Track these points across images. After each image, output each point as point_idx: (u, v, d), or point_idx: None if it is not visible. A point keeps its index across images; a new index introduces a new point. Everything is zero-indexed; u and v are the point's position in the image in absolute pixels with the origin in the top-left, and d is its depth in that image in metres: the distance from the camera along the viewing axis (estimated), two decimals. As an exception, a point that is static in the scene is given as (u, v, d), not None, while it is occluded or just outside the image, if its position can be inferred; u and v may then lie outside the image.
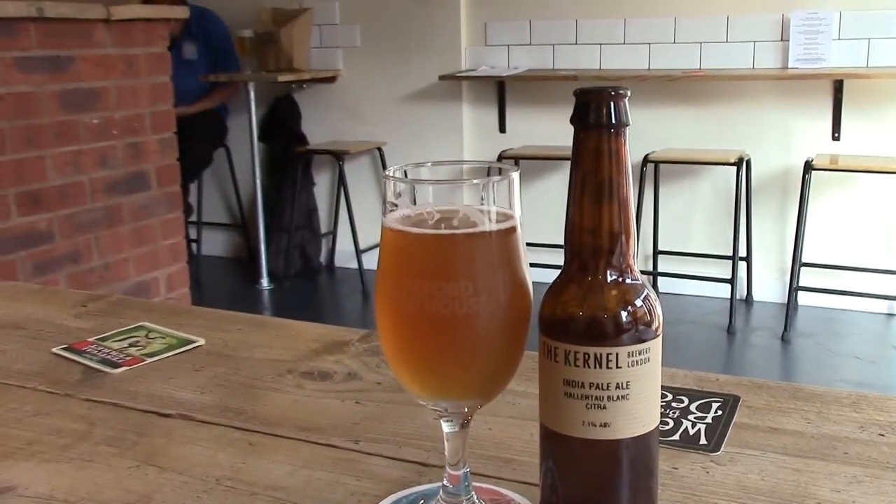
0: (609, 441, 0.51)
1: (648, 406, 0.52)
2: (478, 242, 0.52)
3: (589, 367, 0.50)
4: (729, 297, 3.79)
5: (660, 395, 0.53)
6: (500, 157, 4.14)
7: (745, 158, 3.87)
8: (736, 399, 0.76)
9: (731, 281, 3.79)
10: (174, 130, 3.07)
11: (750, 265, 4.08)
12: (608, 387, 0.50)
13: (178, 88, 3.20)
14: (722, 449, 0.68)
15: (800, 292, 3.80)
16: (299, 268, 4.79)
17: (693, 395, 0.77)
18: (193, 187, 4.85)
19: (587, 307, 0.52)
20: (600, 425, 0.51)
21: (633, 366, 0.51)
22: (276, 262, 4.70)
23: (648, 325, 0.51)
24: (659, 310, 0.52)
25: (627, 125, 0.51)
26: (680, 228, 4.19)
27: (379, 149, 4.66)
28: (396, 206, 0.53)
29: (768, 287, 4.09)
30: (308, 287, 4.71)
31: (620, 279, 0.52)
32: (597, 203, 0.51)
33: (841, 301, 3.87)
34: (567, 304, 0.52)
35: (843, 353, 3.62)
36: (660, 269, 4.20)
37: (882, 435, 0.69)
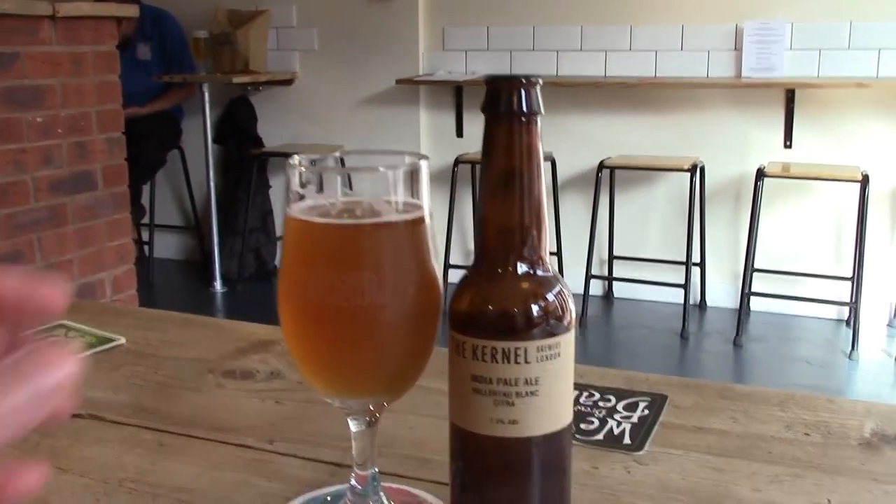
0: (518, 439, 0.50)
1: (559, 403, 0.50)
2: (382, 233, 0.50)
3: (497, 362, 0.49)
4: (682, 302, 3.81)
5: (572, 391, 0.52)
6: (457, 162, 4.13)
7: (699, 165, 3.90)
8: (663, 398, 0.75)
9: (685, 286, 3.81)
10: (122, 130, 3.02)
11: (703, 271, 4.11)
12: (516, 382, 0.49)
13: (132, 89, 3.15)
14: (645, 448, 0.66)
15: (752, 298, 3.84)
16: (253, 271, 4.74)
17: (621, 395, 0.76)
18: (146, 189, 4.77)
19: (496, 301, 0.50)
20: (508, 422, 0.49)
21: (542, 361, 0.49)
22: (229, 264, 4.65)
23: (560, 319, 0.50)
24: (571, 304, 0.51)
25: (539, 114, 0.50)
26: (635, 234, 4.21)
27: (335, 152, 4.61)
28: (302, 195, 0.51)
29: (721, 292, 4.12)
30: (262, 290, 4.65)
31: (531, 272, 0.50)
32: (508, 195, 0.49)
33: (792, 307, 3.91)
34: (476, 298, 0.50)
35: (794, 359, 3.66)
36: (615, 275, 4.22)
37: (807, 434, 0.68)
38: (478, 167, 4.06)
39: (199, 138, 4.58)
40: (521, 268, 0.50)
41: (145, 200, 4.80)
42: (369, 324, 0.49)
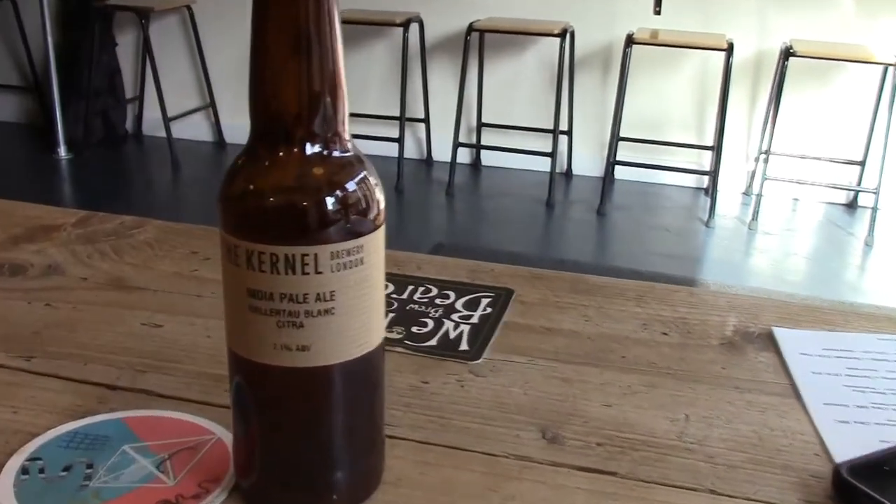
0: (309, 369, 0.39)
1: (364, 321, 0.39)
2: None
3: (279, 272, 0.37)
4: (549, 170, 3.77)
5: (383, 306, 0.41)
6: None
7: (570, 30, 3.79)
8: (509, 293, 0.65)
9: (552, 155, 3.77)
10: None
11: (570, 139, 4.07)
12: (305, 299, 0.37)
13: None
14: (484, 356, 0.57)
15: (617, 167, 3.83)
16: (102, 136, 4.41)
17: (461, 290, 0.66)
18: (-26, 44, 4.31)
19: (276, 191, 0.38)
20: (297, 349, 0.38)
21: (339, 269, 0.38)
22: (74, 129, 4.29)
23: (363, 213, 0.38)
24: (380, 194, 0.39)
25: (334, -64, 0.37)
26: (504, 101, 4.10)
27: (188, 7, 4.27)
28: None
29: (587, 161, 4.11)
30: (112, 157, 4.35)
31: (325, 152, 0.38)
32: (290, 50, 0.37)
33: (655, 175, 3.94)
34: (249, 188, 0.38)
35: (655, 226, 3.71)
36: (483, 143, 4.13)
37: (665, 334, 0.61)
38: (344, 26, 3.88)
39: (32, -13, 4.13)
40: (311, 148, 0.38)
41: (-27, 57, 4.34)
42: None
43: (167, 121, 4.13)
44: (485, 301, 0.64)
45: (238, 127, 4.24)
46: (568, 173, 4.12)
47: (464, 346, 0.58)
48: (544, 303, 0.64)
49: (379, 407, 0.43)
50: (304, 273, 0.37)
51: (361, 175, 0.39)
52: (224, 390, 0.51)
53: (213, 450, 0.46)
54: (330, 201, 0.37)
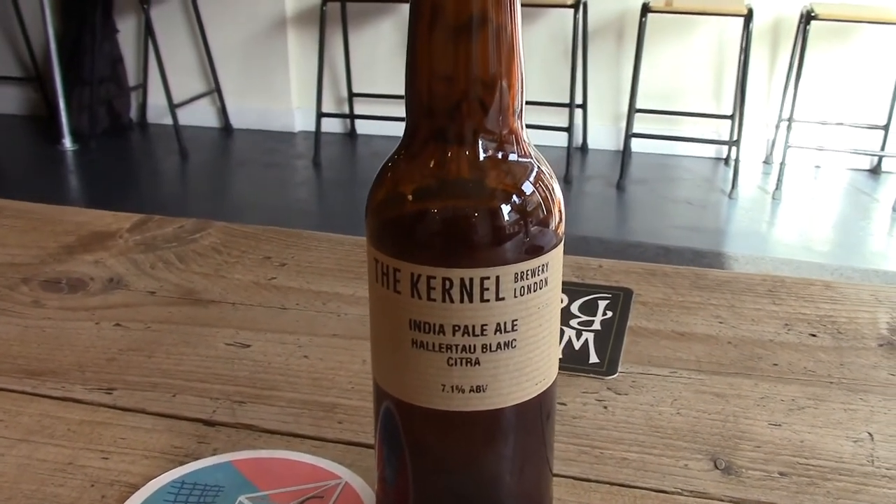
0: (483, 413, 0.32)
1: (545, 354, 0.33)
2: None
3: (452, 300, 0.30)
4: (566, 146, 3.69)
5: (558, 332, 0.34)
6: (325, 1, 3.79)
7: (583, 0, 3.69)
8: (628, 294, 0.59)
9: (569, 129, 3.69)
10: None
11: (585, 112, 3.98)
12: (484, 331, 0.31)
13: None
14: (619, 370, 0.50)
15: (633, 139, 3.75)
16: (107, 125, 4.33)
17: (574, 291, 0.59)
18: (-27, 35, 4.22)
19: (446, 200, 0.31)
20: (471, 391, 0.32)
21: (523, 294, 0.31)
22: (79, 119, 4.21)
23: (544, 223, 0.32)
24: (560, 195, 0.33)
25: None
26: (516, 76, 4.01)
27: (189, -10, 4.17)
28: None
29: (603, 134, 4.03)
30: (118, 146, 4.27)
31: (500, 153, 0.31)
32: (460, 31, 0.30)
33: (672, 147, 3.86)
34: (411, 195, 0.31)
35: (676, 199, 3.64)
36: (496, 119, 4.04)
37: (814, 335, 0.54)
38: (348, 4, 3.72)
39: (30, -25, 4.04)
40: (485, 146, 0.31)
41: (-27, 48, 4.25)
42: None
43: (173, 107, 4.04)
44: (602, 303, 0.57)
45: (244, 111, 4.16)
46: (583, 148, 4.04)
47: (593, 359, 0.51)
48: (667, 303, 0.58)
49: (551, 450, 0.36)
50: (483, 300, 0.30)
51: (540, 179, 0.32)
52: (338, 422, 0.45)
53: (343, 498, 0.40)
54: (513, 212, 0.31)
